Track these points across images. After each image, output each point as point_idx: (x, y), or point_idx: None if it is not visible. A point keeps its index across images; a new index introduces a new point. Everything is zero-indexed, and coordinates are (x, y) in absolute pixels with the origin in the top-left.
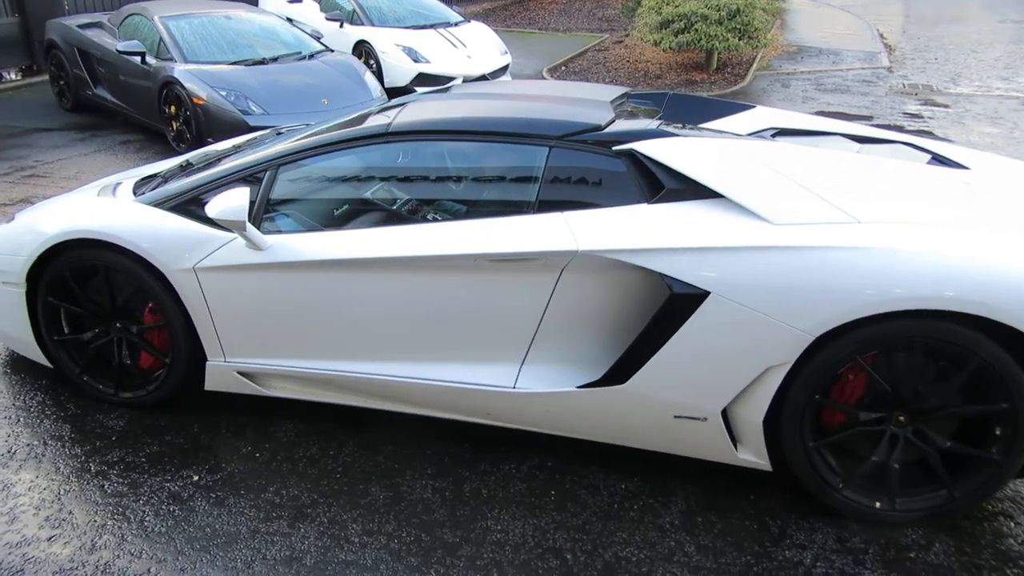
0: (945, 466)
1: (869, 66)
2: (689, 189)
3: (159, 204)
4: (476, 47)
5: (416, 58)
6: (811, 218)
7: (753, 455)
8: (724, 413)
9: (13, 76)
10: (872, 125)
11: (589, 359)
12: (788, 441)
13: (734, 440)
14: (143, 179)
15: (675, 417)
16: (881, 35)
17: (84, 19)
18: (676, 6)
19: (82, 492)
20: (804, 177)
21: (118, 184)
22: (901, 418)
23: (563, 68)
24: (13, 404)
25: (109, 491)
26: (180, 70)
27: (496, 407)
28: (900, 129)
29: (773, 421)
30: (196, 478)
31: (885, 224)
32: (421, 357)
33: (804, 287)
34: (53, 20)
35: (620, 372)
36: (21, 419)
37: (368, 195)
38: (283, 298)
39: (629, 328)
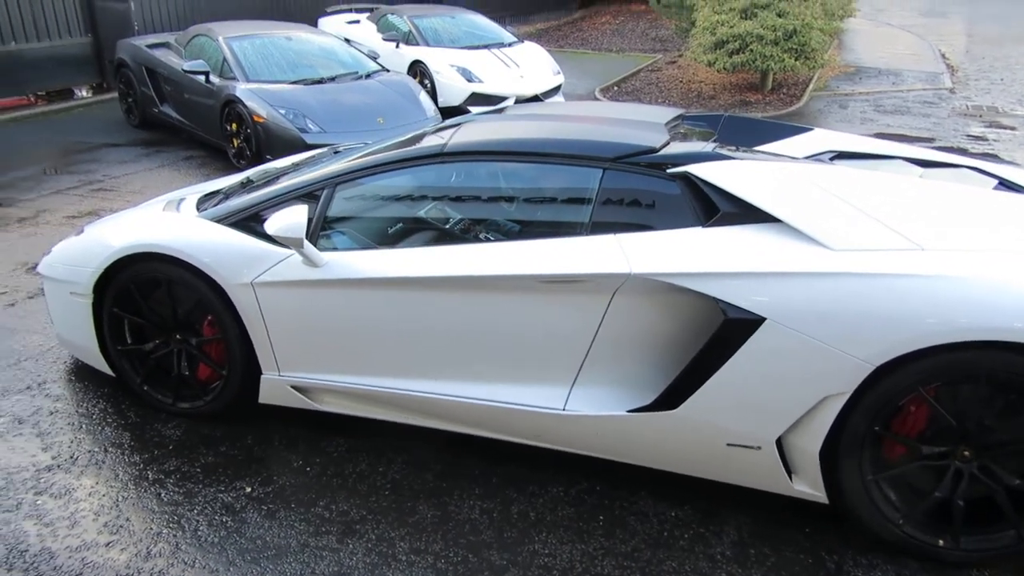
0: (1013, 504)
1: (931, 87)
2: (745, 213)
3: (221, 220)
4: (529, 67)
5: (469, 78)
6: (872, 244)
7: (809, 486)
8: (779, 442)
9: (84, 93)
10: (934, 147)
11: (640, 383)
12: (846, 473)
13: (789, 470)
14: (206, 195)
15: (728, 445)
16: (943, 55)
17: (152, 39)
18: (731, 27)
19: (139, 500)
20: (864, 202)
21: (182, 200)
22: (966, 453)
23: (615, 88)
24: (76, 411)
25: (165, 500)
26: (242, 89)
27: (545, 429)
28: (964, 152)
29: (830, 452)
30: (249, 490)
31: (950, 251)
32: (471, 376)
33: (864, 315)
34: (123, 40)
35: (672, 397)
36: (84, 426)
37: (422, 214)
38: (336, 314)
39: (681, 352)
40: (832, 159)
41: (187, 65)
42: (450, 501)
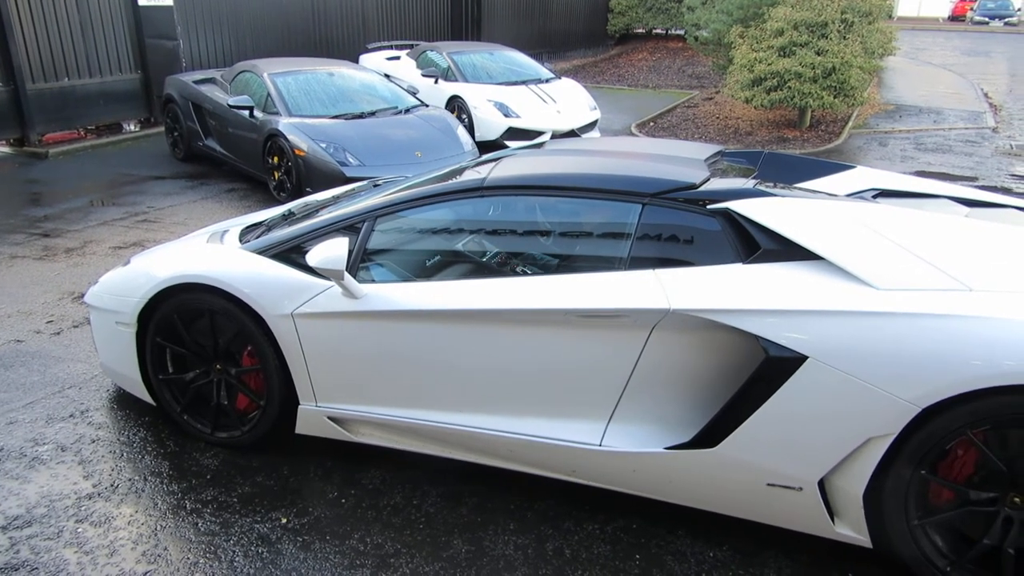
0: None
1: (973, 126)
2: (787, 250)
3: (263, 252)
4: (566, 102)
5: (507, 113)
6: (918, 284)
7: (852, 530)
8: (821, 484)
9: (132, 128)
10: (977, 187)
11: (678, 420)
12: (890, 517)
13: (831, 513)
14: (249, 227)
15: (768, 485)
16: (986, 94)
17: (199, 75)
18: (769, 64)
19: (177, 529)
20: (909, 240)
21: (225, 231)
22: (1016, 499)
23: (652, 124)
24: (118, 439)
25: (202, 529)
26: (284, 123)
27: (581, 465)
28: (1008, 191)
29: (874, 495)
30: (284, 521)
31: (998, 292)
32: (507, 410)
33: (910, 356)
34: (172, 76)
35: (711, 435)
36: (124, 454)
37: (460, 247)
38: (374, 346)
39: (721, 390)
40: (875, 197)
41: (232, 100)
42: (485, 536)
